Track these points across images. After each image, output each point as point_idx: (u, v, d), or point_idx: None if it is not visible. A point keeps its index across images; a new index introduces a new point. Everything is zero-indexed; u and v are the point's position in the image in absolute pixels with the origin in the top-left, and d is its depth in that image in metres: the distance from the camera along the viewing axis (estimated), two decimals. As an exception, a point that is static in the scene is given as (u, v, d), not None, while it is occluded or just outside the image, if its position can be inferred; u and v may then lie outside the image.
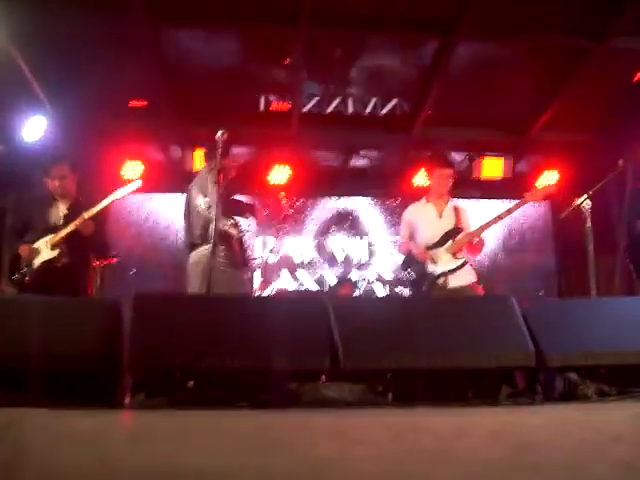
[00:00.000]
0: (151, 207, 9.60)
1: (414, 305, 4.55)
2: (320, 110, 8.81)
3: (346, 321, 3.83)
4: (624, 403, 3.58)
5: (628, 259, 5.73)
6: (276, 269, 9.52)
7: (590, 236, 5.64)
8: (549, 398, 3.73)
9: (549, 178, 9.14)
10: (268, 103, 8.76)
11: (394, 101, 8.88)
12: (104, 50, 6.82)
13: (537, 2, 6.46)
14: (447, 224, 5.77)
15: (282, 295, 8.85)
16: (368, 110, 8.95)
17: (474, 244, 5.71)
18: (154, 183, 8.54)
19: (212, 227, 4.75)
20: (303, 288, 9.53)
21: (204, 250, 4.95)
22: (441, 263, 5.60)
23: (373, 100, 8.93)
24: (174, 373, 3.58)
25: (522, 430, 2.67)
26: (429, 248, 5.65)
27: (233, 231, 5.00)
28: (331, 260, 9.83)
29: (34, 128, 7.49)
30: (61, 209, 5.44)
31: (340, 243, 9.91)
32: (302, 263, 9.71)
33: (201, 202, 5.05)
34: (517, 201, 5.79)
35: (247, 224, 5.22)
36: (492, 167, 9.28)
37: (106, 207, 5.31)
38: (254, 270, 8.91)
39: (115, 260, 6.49)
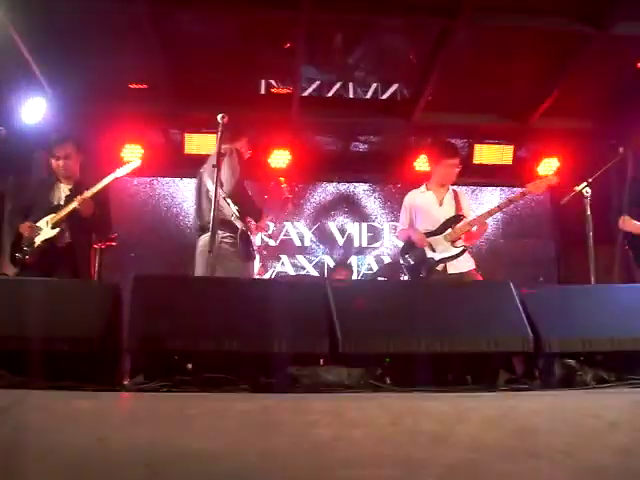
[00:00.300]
0: (150, 190, 9.58)
1: (413, 290, 4.55)
2: (320, 94, 8.80)
3: (345, 305, 3.83)
4: (622, 390, 3.59)
5: (627, 247, 5.73)
6: (275, 254, 9.51)
7: (590, 223, 5.64)
8: (547, 384, 3.74)
9: (549, 165, 9.13)
10: (268, 87, 8.74)
11: (395, 86, 8.87)
12: (104, 32, 6.77)
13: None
14: (447, 211, 5.76)
15: (282, 279, 8.85)
16: (369, 95, 8.93)
17: (474, 231, 5.70)
18: (154, 167, 8.54)
19: (212, 211, 4.75)
20: (302, 273, 9.53)
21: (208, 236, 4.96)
22: (440, 250, 5.60)
23: (374, 85, 8.91)
24: (173, 356, 3.59)
25: (520, 415, 2.68)
26: (428, 235, 5.65)
27: (239, 223, 4.97)
28: (330, 245, 9.83)
29: (33, 110, 7.46)
30: (63, 190, 5.44)
31: (339, 228, 9.91)
32: (301, 248, 9.71)
33: (211, 186, 5.03)
34: (518, 190, 5.78)
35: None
36: (492, 154, 9.27)
37: (106, 187, 5.31)
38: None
39: (115, 242, 6.49)
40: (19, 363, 3.32)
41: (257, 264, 8.84)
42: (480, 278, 5.80)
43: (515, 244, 9.93)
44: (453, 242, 5.61)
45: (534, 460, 1.85)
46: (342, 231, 9.90)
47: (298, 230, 9.70)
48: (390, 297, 4.10)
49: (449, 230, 5.64)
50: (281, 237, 9.57)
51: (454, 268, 5.59)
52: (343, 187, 9.98)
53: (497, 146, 9.24)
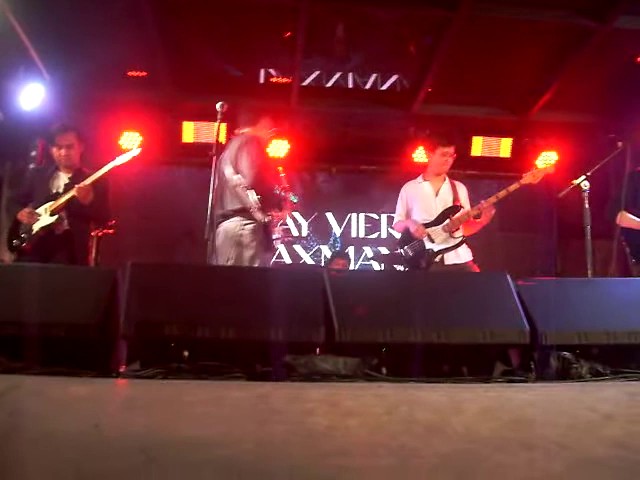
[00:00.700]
0: (149, 179, 9.56)
1: (410, 280, 4.55)
2: (320, 84, 8.78)
3: (342, 294, 3.83)
4: (617, 383, 3.60)
5: (624, 242, 5.73)
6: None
7: (588, 217, 5.65)
8: (543, 376, 3.74)
9: (548, 158, 9.13)
10: (268, 76, 8.71)
11: (394, 77, 8.85)
12: (103, 18, 6.75)
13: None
14: (444, 202, 5.77)
15: (279, 267, 8.85)
16: (368, 85, 8.92)
17: (473, 221, 5.71)
18: (152, 155, 8.52)
19: (210, 201, 4.75)
20: (300, 262, 9.53)
21: (230, 222, 4.97)
22: (438, 241, 5.61)
23: (373, 75, 8.90)
24: (169, 343, 3.59)
25: (516, 407, 2.69)
26: (427, 226, 5.65)
27: (259, 215, 4.93)
28: (328, 235, 9.83)
29: (31, 96, 7.43)
30: (63, 178, 5.43)
31: (337, 218, 9.90)
32: (299, 237, 9.70)
33: (230, 175, 4.99)
34: (516, 181, 5.78)
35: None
36: (491, 146, 9.26)
37: (105, 175, 5.30)
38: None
39: (113, 230, 6.49)
40: (16, 349, 3.32)
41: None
42: (477, 269, 5.81)
43: (512, 237, 9.93)
44: (452, 233, 5.62)
45: (529, 451, 1.85)
46: (339, 221, 9.89)
47: (296, 220, 9.69)
48: (387, 287, 4.10)
49: (447, 221, 5.64)
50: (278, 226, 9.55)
51: (452, 258, 5.60)
52: (341, 177, 9.96)
53: (496, 138, 9.23)
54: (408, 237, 5.73)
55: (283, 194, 5.26)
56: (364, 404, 2.58)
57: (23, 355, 3.31)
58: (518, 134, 9.20)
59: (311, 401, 2.55)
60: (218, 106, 4.97)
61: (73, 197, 5.18)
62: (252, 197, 4.88)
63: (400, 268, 5.99)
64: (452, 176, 6.03)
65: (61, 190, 5.32)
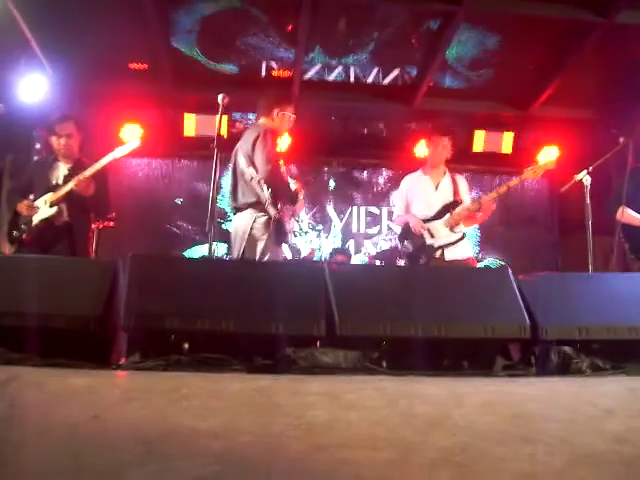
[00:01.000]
0: (149, 171, 9.57)
1: (411, 274, 4.55)
2: (322, 78, 8.75)
3: (343, 288, 3.83)
4: (618, 378, 3.59)
5: (623, 238, 5.72)
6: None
7: (589, 212, 5.64)
8: (543, 371, 3.74)
9: (549, 153, 9.12)
10: (269, 70, 8.69)
11: (396, 71, 8.83)
12: (104, 11, 6.74)
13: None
14: (444, 197, 5.74)
15: (280, 261, 8.85)
16: (370, 79, 8.89)
17: (473, 215, 5.70)
18: (153, 147, 8.52)
19: (210, 193, 4.74)
20: (300, 256, 9.54)
21: (243, 215, 4.96)
22: (439, 236, 5.59)
23: (375, 70, 8.87)
24: (169, 335, 3.59)
25: (516, 401, 2.68)
26: (426, 221, 5.64)
27: (272, 210, 4.91)
28: (328, 229, 9.83)
29: (32, 88, 7.42)
30: (62, 169, 5.42)
31: (338, 212, 9.91)
32: (300, 232, 9.70)
33: (244, 167, 4.97)
34: (516, 177, 5.77)
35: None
36: (492, 141, 9.25)
37: (105, 167, 5.29)
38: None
39: (113, 222, 6.48)
40: (16, 340, 3.32)
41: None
42: (477, 265, 5.80)
43: (514, 232, 9.94)
44: (452, 228, 5.61)
45: (529, 446, 1.85)
46: (340, 216, 9.90)
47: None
48: (388, 281, 4.09)
49: (447, 215, 5.63)
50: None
51: (452, 253, 5.58)
52: (342, 171, 9.97)
53: (497, 133, 9.22)
54: (409, 231, 5.71)
55: (297, 188, 5.21)
56: (364, 397, 2.58)
57: (23, 346, 3.31)
58: (520, 129, 9.19)
59: (311, 394, 2.55)
60: (219, 98, 4.95)
61: (73, 189, 5.17)
62: (266, 191, 4.85)
63: (399, 261, 5.98)
64: (453, 170, 6.01)
65: (60, 181, 5.31)
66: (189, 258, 4.75)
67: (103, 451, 1.66)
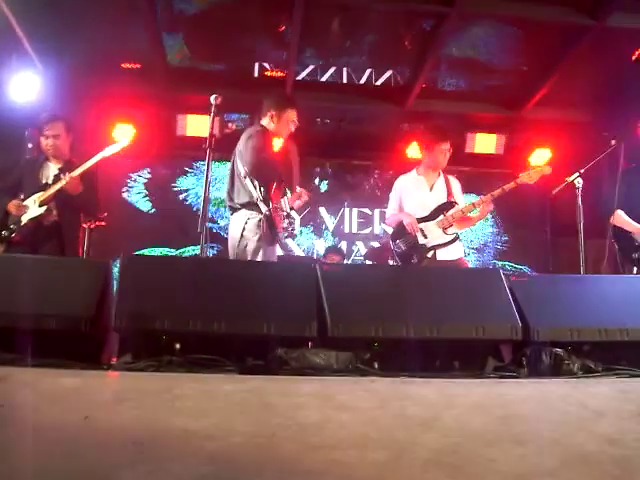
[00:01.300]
0: (142, 171, 9.56)
1: (403, 275, 4.54)
2: (314, 79, 8.76)
3: (335, 288, 3.83)
4: (608, 379, 3.60)
5: (613, 240, 5.73)
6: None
7: (581, 214, 5.66)
8: (535, 372, 3.74)
9: (541, 155, 9.15)
10: (262, 70, 8.69)
11: (389, 72, 8.84)
12: (97, 10, 6.72)
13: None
14: (438, 198, 5.75)
15: (272, 262, 8.84)
16: (363, 80, 8.90)
17: (470, 216, 5.71)
18: (146, 147, 8.50)
19: (203, 192, 4.73)
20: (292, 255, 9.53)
21: (237, 215, 4.97)
22: (432, 237, 5.60)
23: (368, 71, 8.89)
24: (161, 335, 3.58)
25: (507, 402, 2.69)
26: (420, 221, 5.64)
27: (263, 207, 4.90)
28: (321, 229, 9.83)
29: (24, 87, 7.39)
30: (52, 169, 5.41)
31: (330, 213, 9.91)
32: (292, 231, 9.68)
33: (241, 169, 4.98)
34: (512, 181, 5.75)
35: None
36: (484, 142, 9.27)
37: (94, 166, 5.28)
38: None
39: (104, 222, 6.47)
40: (7, 340, 3.30)
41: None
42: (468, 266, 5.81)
43: (506, 233, 9.97)
44: (445, 229, 5.61)
45: (520, 446, 1.86)
46: (332, 216, 9.90)
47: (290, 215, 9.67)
48: (380, 282, 4.09)
49: (441, 216, 5.63)
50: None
51: (444, 254, 5.59)
52: (335, 172, 9.97)
53: (490, 135, 9.24)
54: (401, 231, 5.71)
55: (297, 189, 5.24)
56: (356, 398, 2.58)
57: (14, 347, 3.30)
58: (512, 130, 9.21)
59: (303, 395, 2.55)
60: (212, 99, 4.94)
61: (62, 188, 5.16)
62: (257, 187, 4.87)
63: (391, 262, 5.97)
64: (445, 171, 6.01)
65: (50, 181, 5.30)
66: (181, 258, 4.74)
67: (95, 452, 1.66)
